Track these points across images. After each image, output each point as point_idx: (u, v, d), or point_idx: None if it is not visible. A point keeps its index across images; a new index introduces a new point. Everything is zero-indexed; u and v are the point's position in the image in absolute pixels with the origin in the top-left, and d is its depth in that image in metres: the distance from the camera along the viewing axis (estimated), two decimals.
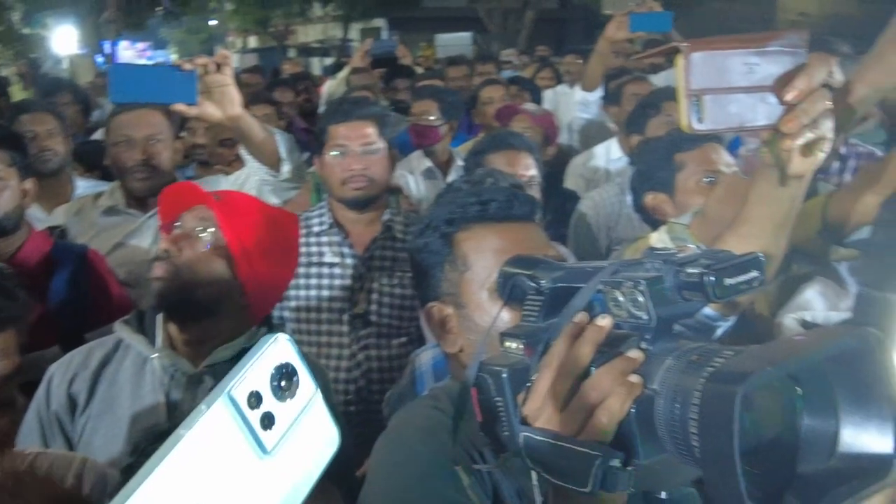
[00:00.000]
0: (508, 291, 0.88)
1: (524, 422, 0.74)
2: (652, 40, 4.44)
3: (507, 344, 0.81)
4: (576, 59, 5.37)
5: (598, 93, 3.77)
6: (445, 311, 1.11)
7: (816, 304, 1.53)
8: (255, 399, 0.51)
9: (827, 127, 0.95)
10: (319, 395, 0.56)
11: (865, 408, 0.64)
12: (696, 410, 0.61)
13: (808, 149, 0.96)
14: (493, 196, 1.12)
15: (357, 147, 2.29)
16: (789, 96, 0.92)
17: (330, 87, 4.72)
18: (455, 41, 18.06)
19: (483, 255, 1.08)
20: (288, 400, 0.53)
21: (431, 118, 3.52)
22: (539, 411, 0.73)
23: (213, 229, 1.50)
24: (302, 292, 2.32)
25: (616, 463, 0.67)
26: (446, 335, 1.12)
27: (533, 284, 0.84)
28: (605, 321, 0.73)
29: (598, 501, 0.69)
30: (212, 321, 1.49)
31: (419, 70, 6.81)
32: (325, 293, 2.31)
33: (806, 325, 1.35)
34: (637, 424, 0.68)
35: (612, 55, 3.53)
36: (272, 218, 1.63)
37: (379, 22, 21.88)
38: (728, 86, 0.95)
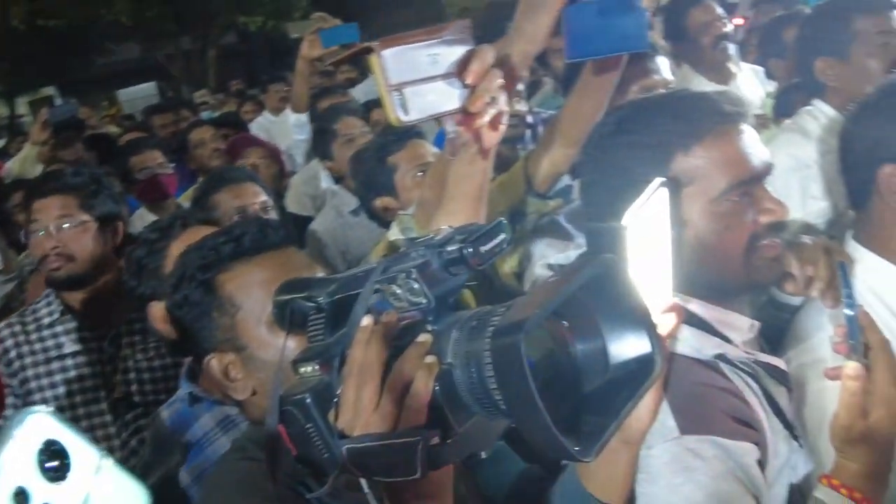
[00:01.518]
0: (288, 319, 0.87)
1: (342, 436, 0.74)
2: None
3: (302, 370, 0.80)
4: (283, 87, 5.37)
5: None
6: (226, 359, 1.07)
7: (547, 253, 1.72)
8: (22, 497, 0.44)
9: (503, 101, 1.07)
10: (109, 459, 0.51)
11: (622, 321, 0.75)
12: (490, 368, 0.67)
13: (492, 123, 1.07)
14: (245, 229, 1.10)
15: (52, 224, 2.11)
16: (469, 79, 1.01)
17: (14, 169, 4.20)
18: (140, 93, 17.07)
19: (251, 291, 1.06)
20: (68, 478, 0.47)
21: (163, 165, 3.31)
22: (353, 420, 0.74)
23: None
24: (48, 392, 2.07)
25: (436, 441, 0.71)
26: (233, 384, 1.07)
27: (311, 304, 0.85)
28: (389, 317, 0.76)
29: (429, 483, 0.73)
30: None
31: (113, 129, 6.32)
32: (76, 386, 2.08)
33: (553, 267, 1.51)
34: (444, 399, 0.73)
35: (314, 75, 3.60)
36: None
37: (48, 90, 19.81)
38: (421, 76, 1.01)
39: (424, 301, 0.74)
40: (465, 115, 1.05)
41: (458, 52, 1.05)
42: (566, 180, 1.79)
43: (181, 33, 17.75)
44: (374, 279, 0.77)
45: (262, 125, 4.90)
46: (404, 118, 1.02)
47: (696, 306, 1.13)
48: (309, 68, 3.44)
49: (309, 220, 3.13)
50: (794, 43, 2.26)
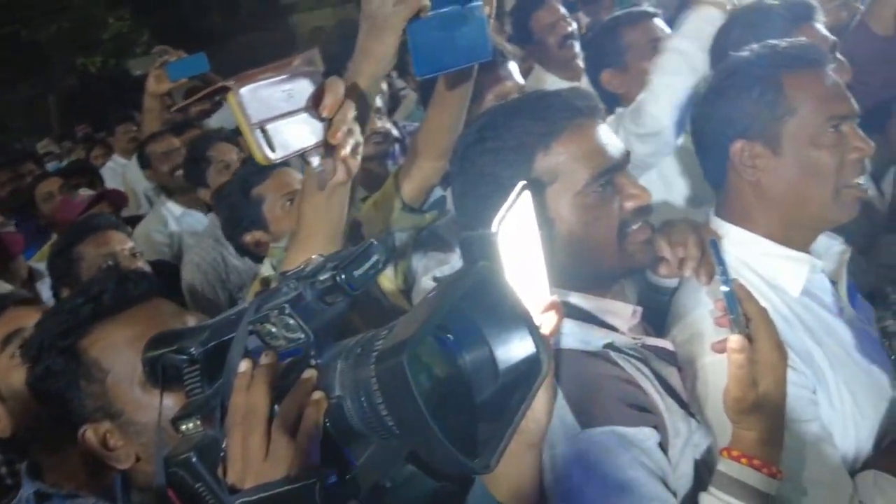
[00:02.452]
0: (161, 375, 0.82)
1: (234, 490, 0.70)
2: (192, 87, 4.44)
3: (184, 427, 0.76)
4: (130, 127, 5.10)
5: None
6: (102, 428, 0.99)
7: (429, 265, 1.72)
8: None
9: (358, 131, 1.07)
10: None
11: (504, 326, 0.76)
12: (378, 394, 0.65)
13: (352, 152, 1.07)
14: (103, 286, 1.02)
15: None
16: (325, 112, 1.01)
17: None
18: None
19: (118, 353, 0.99)
20: None
21: (2, 224, 3.05)
22: (244, 472, 0.70)
23: None
24: None
25: (333, 479, 0.68)
26: (114, 453, 1.00)
27: (183, 357, 0.80)
28: (268, 358, 0.73)
29: None
30: None
31: None
32: None
33: (437, 279, 1.51)
34: (336, 434, 0.70)
35: (163, 110, 3.44)
36: None
37: None
38: (279, 112, 1.00)
39: (302, 336, 0.72)
40: (327, 147, 1.04)
41: (310, 85, 1.04)
42: (439, 192, 1.80)
43: (17, 80, 16.58)
44: (248, 320, 0.74)
45: (113, 170, 4.64)
46: (272, 156, 0.99)
47: (577, 299, 1.16)
48: (158, 104, 3.29)
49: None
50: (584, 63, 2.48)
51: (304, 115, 1.02)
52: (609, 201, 1.14)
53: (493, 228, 0.79)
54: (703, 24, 1.80)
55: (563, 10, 3.25)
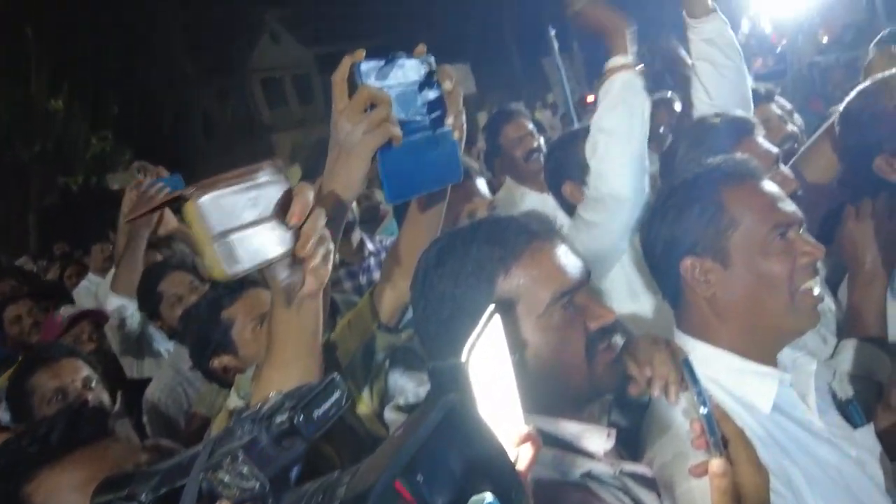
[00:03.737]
0: None
1: None
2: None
3: None
4: (106, 246, 5.07)
5: None
6: None
7: (407, 385, 1.66)
8: None
9: (329, 241, 1.02)
10: None
11: (478, 463, 0.71)
12: None
13: (319, 264, 1.02)
14: (51, 426, 0.96)
15: None
16: (293, 221, 0.96)
17: None
18: None
19: (64, 499, 0.92)
20: None
21: None
22: None
23: None
24: None
25: None
26: None
27: None
28: None
29: None
30: None
31: None
32: None
33: (402, 408, 1.45)
34: None
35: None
36: None
37: None
38: (243, 222, 0.93)
39: (257, 485, 0.66)
40: (295, 258, 0.99)
41: (277, 192, 0.98)
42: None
43: None
44: (200, 467, 0.69)
45: (87, 288, 4.57)
46: (230, 271, 0.91)
47: (550, 425, 1.12)
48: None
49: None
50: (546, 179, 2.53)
51: (271, 224, 0.96)
52: (573, 322, 1.12)
53: (463, 357, 0.75)
54: (619, 92, 1.82)
55: (530, 125, 3.37)
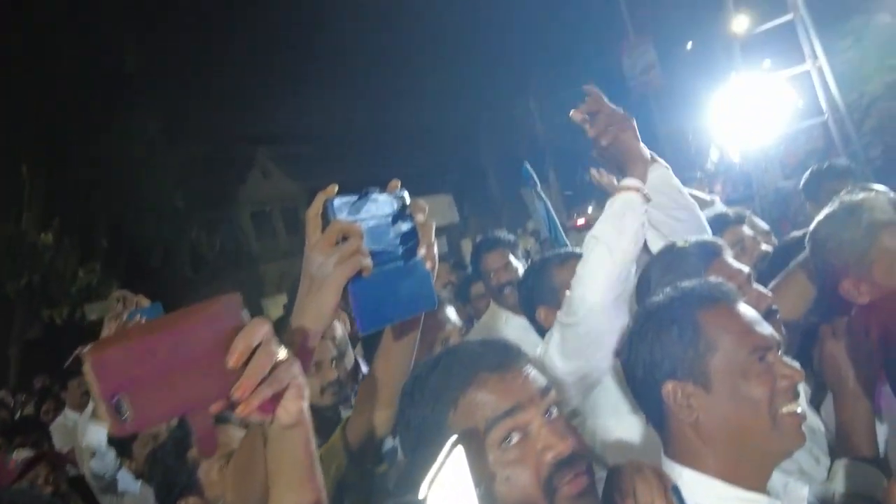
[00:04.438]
0: None
1: None
2: None
3: None
4: (83, 381, 4.98)
5: None
6: None
7: None
8: None
9: (290, 373, 0.97)
10: None
11: None
12: None
13: (282, 398, 0.97)
14: None
15: None
16: (232, 361, 0.91)
17: None
18: None
19: None
20: None
21: None
22: None
23: None
24: None
25: None
26: None
27: None
28: None
29: None
30: None
31: None
32: None
33: None
34: None
35: None
36: None
37: None
38: (148, 375, 0.85)
39: None
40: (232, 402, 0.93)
41: (220, 330, 0.92)
42: (390, 443, 1.73)
43: None
44: None
45: (62, 425, 4.45)
46: (125, 428, 0.83)
47: None
48: None
49: None
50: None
51: (202, 369, 0.89)
52: (525, 453, 1.11)
53: (422, 494, 0.74)
54: (621, 208, 1.88)
55: (510, 257, 3.45)
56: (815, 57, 6.83)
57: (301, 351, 1.11)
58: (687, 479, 1.28)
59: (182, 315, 0.91)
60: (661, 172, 2.13)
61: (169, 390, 0.85)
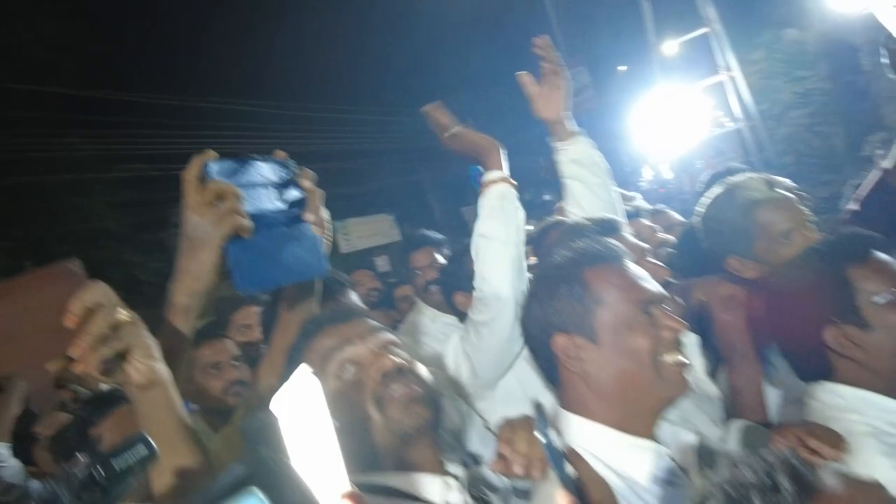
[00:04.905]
0: None
1: None
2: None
3: None
4: None
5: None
6: None
7: None
8: None
9: (133, 333, 1.00)
10: None
11: None
12: None
13: (123, 360, 1.00)
14: None
15: None
16: (67, 321, 0.94)
17: None
18: None
19: None
20: None
21: None
22: None
23: None
24: None
25: None
26: None
27: None
28: None
29: None
30: None
31: None
32: None
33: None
34: None
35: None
36: None
37: None
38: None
39: None
40: (68, 360, 0.94)
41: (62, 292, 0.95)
42: None
43: None
44: None
45: None
46: None
47: (385, 479, 1.16)
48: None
49: None
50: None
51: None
52: (358, 382, 1.28)
53: (273, 412, 0.77)
54: (497, 201, 1.93)
55: (436, 255, 3.50)
56: (729, 68, 7.14)
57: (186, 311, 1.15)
58: (579, 427, 1.34)
59: (22, 281, 0.94)
60: (581, 147, 2.23)
61: (16, 351, 0.89)
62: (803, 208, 1.95)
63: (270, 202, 1.24)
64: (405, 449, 1.19)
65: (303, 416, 0.82)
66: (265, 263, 1.21)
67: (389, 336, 1.36)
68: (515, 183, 1.99)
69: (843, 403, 1.46)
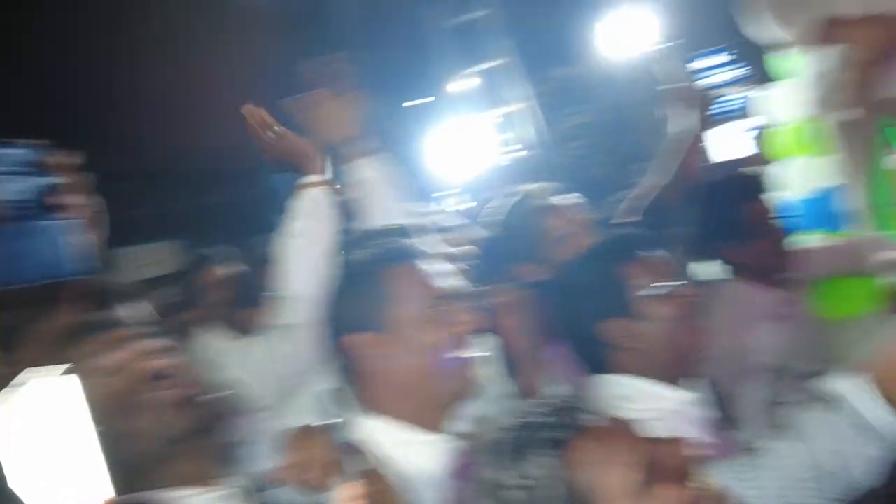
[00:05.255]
0: None
1: None
2: None
3: None
4: None
5: None
6: None
7: None
8: None
9: None
10: None
11: None
12: None
13: None
14: None
15: None
16: None
17: None
18: None
19: None
20: None
21: None
22: None
23: None
24: None
25: None
26: None
27: None
28: None
29: None
30: None
31: None
32: None
33: None
34: None
35: None
36: None
37: None
38: None
39: None
40: None
41: None
42: None
43: None
44: None
45: None
46: None
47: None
48: None
49: None
50: None
51: None
52: (118, 390, 1.20)
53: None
54: (307, 202, 1.91)
55: (221, 272, 3.31)
56: (518, 100, 7.70)
57: None
58: (372, 425, 1.33)
59: None
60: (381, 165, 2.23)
61: None
62: (583, 214, 2.11)
63: (13, 191, 1.09)
64: (171, 458, 1.11)
65: (60, 421, 0.71)
66: (6, 258, 1.06)
67: (158, 342, 1.28)
68: (337, 188, 1.96)
69: (623, 393, 1.56)
